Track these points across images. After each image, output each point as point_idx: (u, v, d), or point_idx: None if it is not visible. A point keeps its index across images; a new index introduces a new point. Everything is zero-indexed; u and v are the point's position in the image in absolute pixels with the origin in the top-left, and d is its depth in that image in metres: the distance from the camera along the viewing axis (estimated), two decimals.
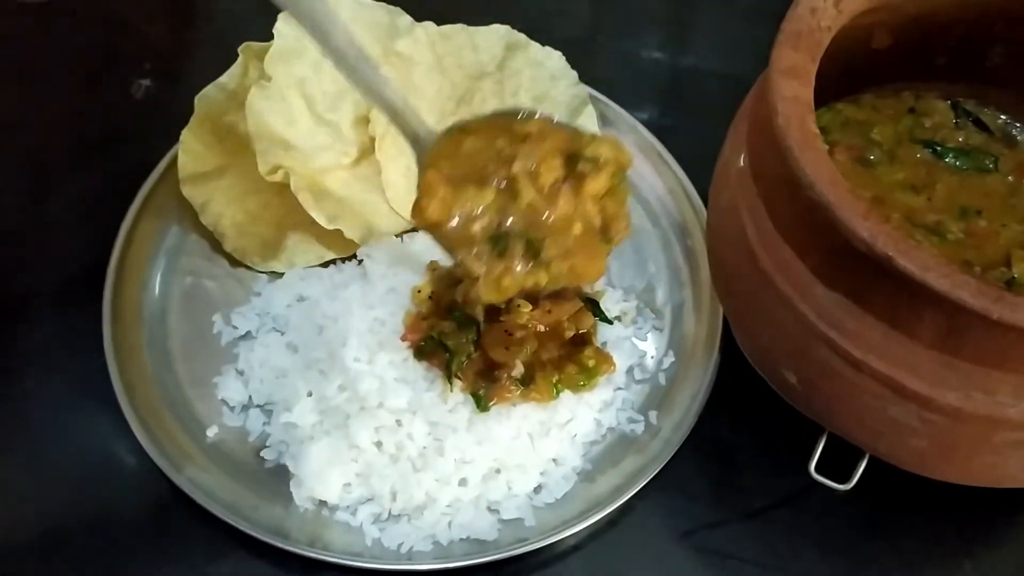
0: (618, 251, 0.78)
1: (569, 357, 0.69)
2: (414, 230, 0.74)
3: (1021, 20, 0.65)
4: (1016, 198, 0.66)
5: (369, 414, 0.66)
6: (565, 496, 0.67)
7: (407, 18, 0.80)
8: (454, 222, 0.57)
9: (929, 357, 0.52)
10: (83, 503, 0.67)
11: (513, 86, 0.81)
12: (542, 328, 0.69)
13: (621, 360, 0.72)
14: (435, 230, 0.58)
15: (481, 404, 0.67)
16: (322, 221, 0.72)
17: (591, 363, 0.69)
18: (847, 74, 0.65)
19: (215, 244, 0.77)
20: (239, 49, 0.75)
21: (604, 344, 0.72)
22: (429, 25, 0.79)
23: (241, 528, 0.63)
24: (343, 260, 0.76)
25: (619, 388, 0.72)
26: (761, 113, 0.58)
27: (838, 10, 0.59)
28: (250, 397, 0.70)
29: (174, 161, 0.76)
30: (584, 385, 0.69)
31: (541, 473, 0.68)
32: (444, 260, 0.71)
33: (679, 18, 0.97)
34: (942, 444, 0.56)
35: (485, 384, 0.67)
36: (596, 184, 0.59)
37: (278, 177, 0.73)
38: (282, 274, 0.76)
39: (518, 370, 0.67)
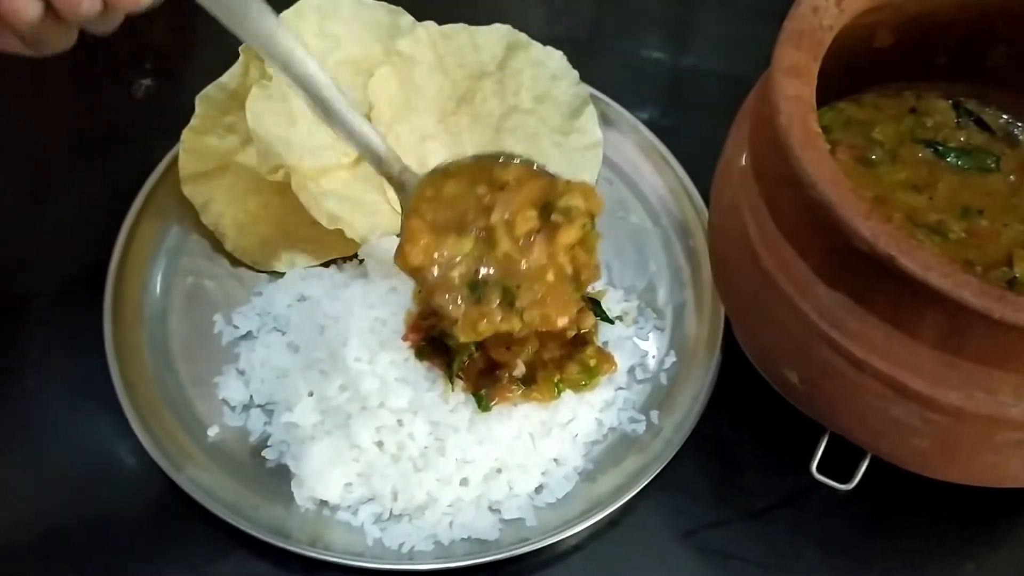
0: (619, 251, 0.79)
1: (570, 357, 0.69)
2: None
3: (1022, 20, 0.65)
4: (1018, 198, 0.66)
5: (370, 414, 0.65)
6: (566, 496, 0.67)
7: (408, 17, 0.80)
8: (435, 269, 0.61)
9: (931, 357, 0.52)
10: (83, 503, 0.67)
11: (514, 86, 0.81)
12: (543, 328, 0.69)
13: (622, 360, 0.72)
14: (416, 274, 0.61)
15: (482, 404, 0.67)
16: (323, 221, 0.72)
17: (592, 363, 0.69)
18: (849, 73, 0.65)
19: (216, 244, 0.77)
20: (240, 49, 0.75)
21: (605, 344, 0.72)
22: (430, 24, 0.79)
23: (242, 528, 0.63)
24: (344, 260, 0.76)
25: (620, 388, 0.71)
26: (763, 112, 0.58)
27: (840, 9, 0.59)
28: (251, 397, 0.70)
29: (175, 161, 0.76)
30: (585, 385, 0.69)
31: (542, 473, 0.68)
32: None
33: (680, 18, 0.97)
34: (944, 444, 0.56)
35: (486, 384, 0.67)
36: (568, 236, 0.62)
37: (279, 177, 0.73)
38: (283, 274, 0.76)
39: (519, 370, 0.67)
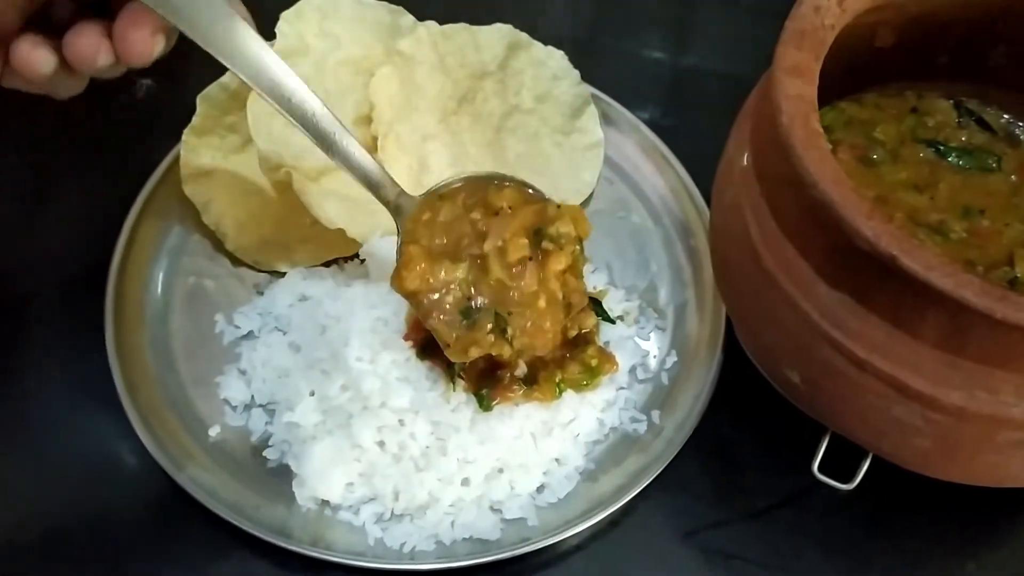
0: (621, 250, 0.79)
1: (572, 357, 0.69)
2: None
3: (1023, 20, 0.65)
4: (1019, 197, 0.66)
5: (372, 414, 0.65)
6: (568, 496, 0.67)
7: (409, 17, 0.80)
8: (430, 293, 0.63)
9: (933, 356, 0.52)
10: (85, 503, 0.67)
11: (515, 85, 0.81)
12: None
13: (624, 360, 0.72)
14: (412, 298, 0.63)
15: (484, 404, 0.67)
16: (324, 220, 0.72)
17: (594, 363, 0.69)
18: (850, 73, 0.65)
19: (217, 244, 0.77)
20: None
21: (607, 344, 0.72)
22: (431, 24, 0.79)
23: (243, 528, 0.63)
24: (345, 259, 0.76)
25: (622, 388, 0.72)
26: (765, 112, 0.58)
27: (842, 9, 0.59)
28: (252, 397, 0.70)
29: (176, 161, 0.76)
30: (587, 385, 0.69)
31: (544, 473, 0.68)
32: None
33: (681, 18, 0.97)
34: (945, 444, 0.56)
35: (488, 383, 0.67)
36: (558, 263, 0.65)
37: (280, 177, 0.73)
38: (284, 273, 0.76)
39: (521, 370, 0.67)
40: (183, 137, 0.76)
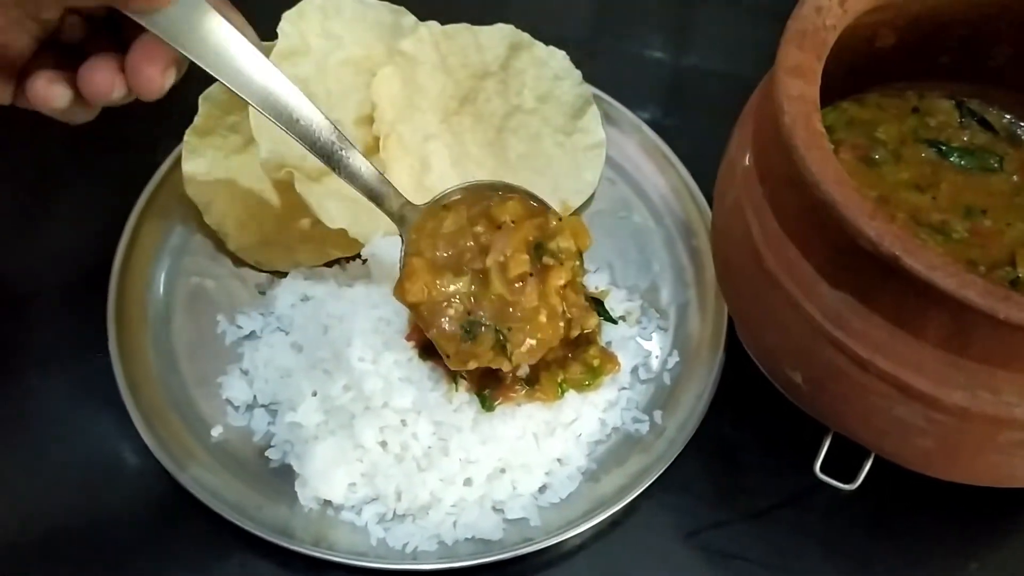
0: (622, 250, 0.79)
1: (574, 357, 0.69)
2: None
3: None
4: (1021, 197, 0.66)
5: (374, 414, 0.66)
6: (570, 496, 0.67)
7: (411, 17, 0.80)
8: (432, 306, 0.65)
9: (935, 356, 0.52)
10: (87, 503, 0.67)
11: (517, 85, 0.81)
12: None
13: (626, 360, 0.72)
14: (414, 308, 0.65)
15: (486, 404, 0.67)
16: (326, 220, 0.72)
17: (596, 363, 0.69)
18: (852, 73, 0.65)
19: (219, 244, 0.77)
20: None
21: (609, 344, 0.72)
22: (433, 24, 0.79)
23: (246, 528, 0.64)
24: (347, 259, 0.76)
25: (624, 388, 0.72)
26: (767, 112, 0.58)
27: (843, 9, 0.59)
28: (255, 397, 0.70)
29: (178, 161, 0.76)
30: (589, 385, 0.69)
31: (546, 473, 0.68)
32: None
33: (682, 18, 0.97)
34: (948, 444, 0.56)
35: (490, 384, 0.67)
36: (559, 278, 0.66)
37: (282, 177, 0.73)
38: (286, 274, 0.76)
39: (523, 370, 0.67)
40: (185, 137, 0.76)
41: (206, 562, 0.65)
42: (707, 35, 0.96)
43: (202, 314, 0.74)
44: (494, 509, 0.66)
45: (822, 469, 0.62)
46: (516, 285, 0.65)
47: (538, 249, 0.66)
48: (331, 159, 0.62)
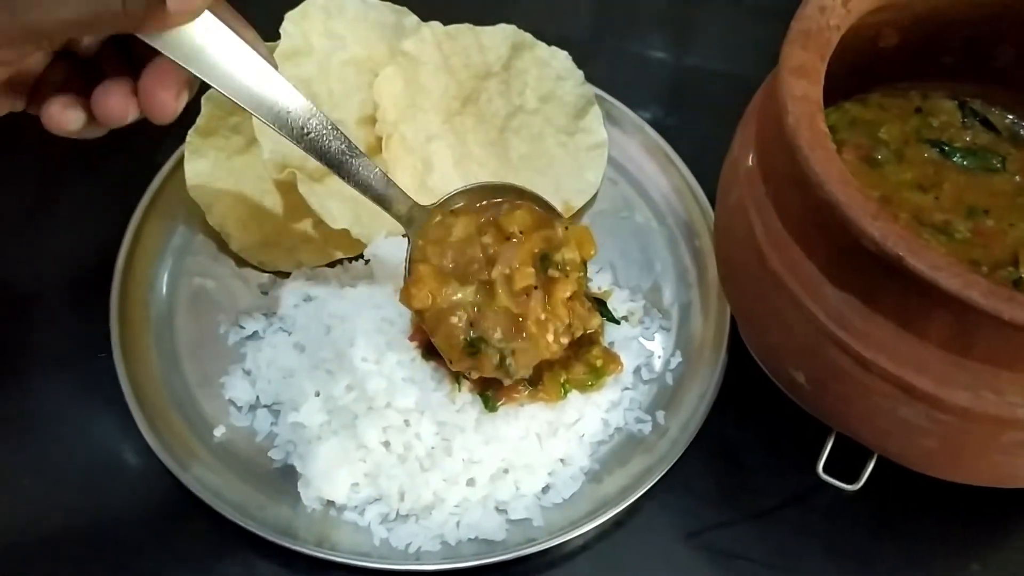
0: (624, 250, 0.79)
1: (577, 357, 0.69)
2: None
3: None
4: (1023, 198, 0.66)
5: (377, 414, 0.66)
6: (573, 496, 0.67)
7: (413, 18, 0.80)
8: (438, 314, 0.65)
9: (939, 357, 0.52)
10: (89, 503, 0.67)
11: (519, 86, 0.81)
12: None
13: (628, 360, 0.72)
14: (419, 314, 0.66)
15: (489, 404, 0.67)
16: (329, 221, 0.72)
17: (599, 363, 0.69)
18: (854, 73, 0.65)
19: (222, 244, 0.77)
20: None
21: (611, 344, 0.72)
22: (435, 25, 0.79)
23: (249, 528, 0.64)
24: (350, 260, 0.76)
25: (626, 388, 0.72)
26: (770, 112, 0.58)
27: (847, 9, 0.59)
28: (257, 397, 0.70)
29: (180, 161, 0.76)
30: (592, 385, 0.69)
31: (549, 473, 0.68)
32: None
33: (684, 18, 0.97)
34: (951, 444, 0.56)
35: (493, 384, 0.67)
36: (564, 291, 0.66)
37: (284, 177, 0.73)
38: (289, 274, 0.76)
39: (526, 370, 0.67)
40: (187, 138, 0.75)
41: (208, 562, 0.65)
42: (709, 35, 0.96)
43: (204, 314, 0.74)
44: (497, 509, 0.66)
45: (825, 469, 0.62)
46: (521, 298, 0.65)
47: (543, 261, 0.67)
48: (341, 168, 0.62)
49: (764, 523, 0.68)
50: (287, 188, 0.74)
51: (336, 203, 0.73)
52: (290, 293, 0.74)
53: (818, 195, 0.52)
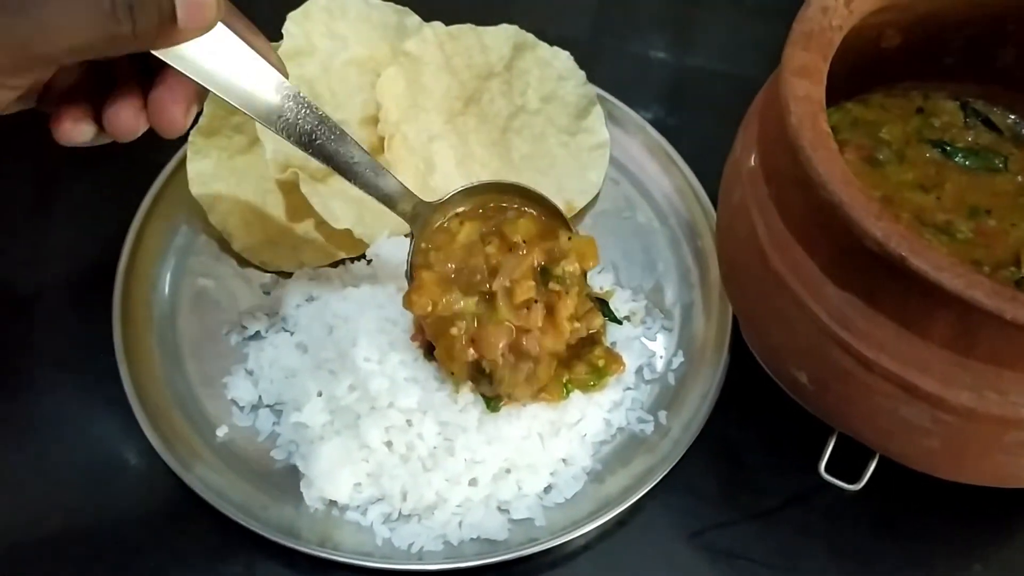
0: (627, 250, 0.79)
1: (579, 357, 0.69)
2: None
3: None
4: None
5: (379, 414, 0.66)
6: (575, 496, 0.67)
7: (415, 18, 0.80)
8: (438, 320, 0.65)
9: (941, 357, 0.52)
10: (92, 503, 0.67)
11: (521, 86, 0.81)
12: None
13: (630, 360, 0.72)
14: (422, 320, 0.66)
15: (491, 404, 0.67)
16: (331, 221, 0.72)
17: (601, 363, 0.69)
18: (856, 73, 0.65)
19: (224, 244, 0.77)
20: None
21: (613, 344, 0.72)
22: (437, 25, 0.79)
23: (251, 528, 0.64)
24: (352, 260, 0.76)
25: (629, 388, 0.72)
26: (773, 112, 0.58)
27: (849, 10, 0.59)
28: (260, 397, 0.70)
29: (183, 161, 0.76)
30: (594, 385, 0.69)
31: (551, 473, 0.68)
32: None
33: (686, 18, 0.97)
34: (954, 444, 0.56)
35: None
36: (567, 309, 0.66)
37: (287, 177, 0.73)
38: (291, 274, 0.76)
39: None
40: (190, 138, 0.76)
41: (211, 562, 0.65)
42: (710, 35, 0.96)
43: (207, 314, 0.74)
44: (499, 509, 0.66)
45: (827, 469, 0.62)
46: (522, 311, 0.65)
47: (543, 274, 0.67)
48: (347, 171, 0.62)
49: (766, 523, 0.68)
50: (289, 188, 0.74)
51: (339, 203, 0.73)
52: (292, 293, 0.74)
53: (820, 195, 0.52)
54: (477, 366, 0.65)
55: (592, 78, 0.83)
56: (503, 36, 0.80)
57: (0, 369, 0.72)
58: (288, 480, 0.67)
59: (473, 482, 0.66)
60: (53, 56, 0.46)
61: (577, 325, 0.67)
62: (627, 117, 0.83)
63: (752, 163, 0.61)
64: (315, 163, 0.74)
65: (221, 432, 0.69)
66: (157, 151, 0.78)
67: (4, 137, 0.77)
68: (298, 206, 0.74)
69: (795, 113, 0.54)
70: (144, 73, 0.52)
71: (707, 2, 0.99)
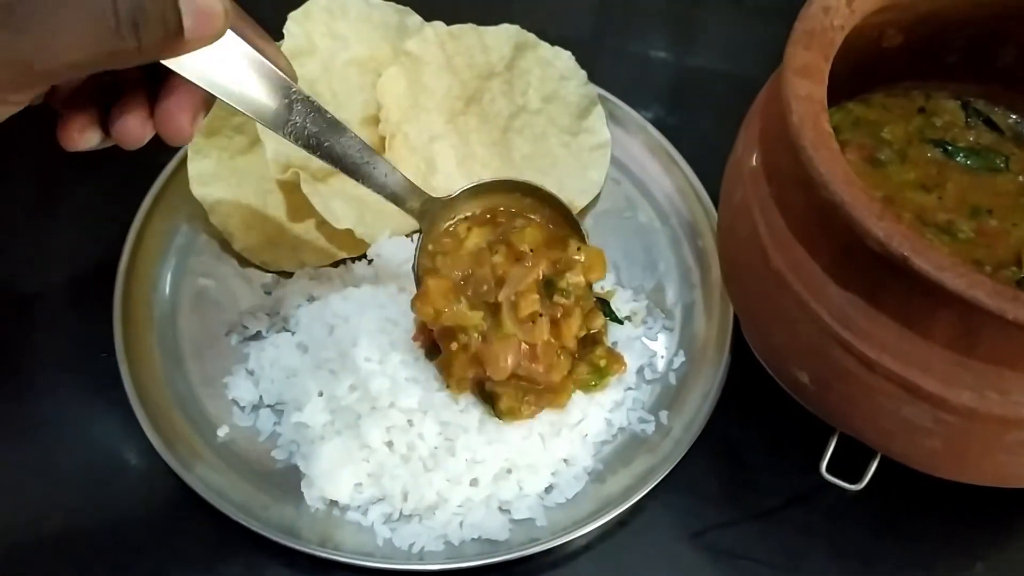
0: (628, 250, 0.79)
1: (580, 357, 0.69)
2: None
3: None
4: None
5: (380, 414, 0.66)
6: (576, 496, 0.67)
7: (416, 17, 0.80)
8: (443, 329, 0.66)
9: (943, 357, 0.52)
10: (92, 503, 0.67)
11: (522, 86, 0.81)
12: None
13: (632, 360, 0.72)
14: (430, 323, 0.66)
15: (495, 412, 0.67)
16: (332, 221, 0.72)
17: (602, 363, 0.69)
18: (858, 73, 0.65)
19: (225, 244, 0.77)
20: None
21: (615, 344, 0.72)
22: (438, 25, 0.79)
23: (252, 528, 0.63)
24: (353, 260, 0.76)
25: (630, 388, 0.72)
26: (774, 112, 0.58)
27: (851, 9, 0.59)
28: (260, 397, 0.70)
29: (184, 161, 0.76)
30: (595, 385, 0.69)
31: (552, 473, 0.68)
32: None
33: (687, 18, 0.97)
34: (955, 444, 0.56)
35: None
36: (573, 327, 0.66)
37: (288, 177, 0.73)
38: (292, 274, 0.76)
39: None
40: None
41: (212, 562, 0.65)
42: (712, 35, 0.96)
43: (208, 314, 0.74)
44: (500, 509, 0.66)
45: (828, 469, 0.62)
46: (527, 324, 0.65)
47: (548, 287, 0.66)
48: (356, 172, 0.62)
49: (767, 523, 0.68)
50: (290, 188, 0.74)
51: (339, 203, 0.73)
52: (293, 293, 0.74)
53: (822, 195, 0.52)
54: (480, 386, 0.66)
55: (593, 78, 0.83)
56: (504, 36, 0.80)
57: (0, 369, 0.72)
58: (289, 480, 0.67)
59: (474, 482, 0.66)
60: (56, 72, 0.46)
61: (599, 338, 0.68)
62: (628, 117, 0.83)
63: (753, 163, 0.61)
64: (316, 163, 0.74)
65: (222, 432, 0.69)
66: (158, 151, 0.77)
67: (6, 137, 0.77)
68: (299, 206, 0.74)
69: (797, 113, 0.54)
70: (151, 76, 0.52)
71: (708, 2, 0.99)
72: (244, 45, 0.52)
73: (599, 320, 0.69)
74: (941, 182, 0.67)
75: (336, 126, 0.59)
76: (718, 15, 0.97)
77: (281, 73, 0.54)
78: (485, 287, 0.66)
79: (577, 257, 0.67)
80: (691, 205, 0.80)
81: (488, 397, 0.66)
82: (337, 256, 0.76)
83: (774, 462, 0.70)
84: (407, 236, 0.76)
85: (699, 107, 0.90)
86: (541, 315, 0.65)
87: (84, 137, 0.52)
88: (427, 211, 0.67)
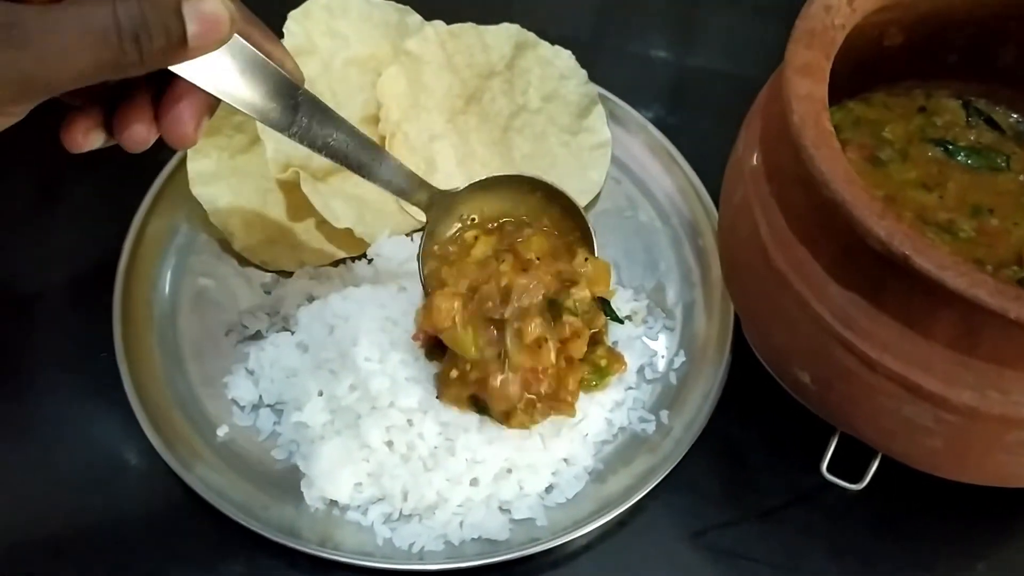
0: (628, 250, 0.79)
1: (582, 358, 0.69)
2: (423, 229, 0.74)
3: None
4: None
5: (380, 413, 0.65)
6: (576, 496, 0.67)
7: (417, 17, 0.80)
8: (451, 341, 0.66)
9: (944, 356, 0.52)
10: (93, 502, 0.67)
11: (523, 85, 0.81)
12: None
13: (632, 359, 0.72)
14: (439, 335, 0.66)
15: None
16: (332, 220, 0.72)
17: (603, 363, 0.69)
18: (858, 72, 0.65)
19: (225, 243, 0.76)
20: None
21: (615, 343, 0.72)
22: (439, 24, 0.79)
23: (252, 528, 0.63)
24: (353, 259, 0.76)
25: (630, 388, 0.71)
26: (775, 111, 0.58)
27: (852, 8, 0.59)
28: (260, 397, 0.70)
29: (183, 160, 0.76)
30: (596, 385, 0.69)
31: (552, 473, 0.67)
32: None
33: (688, 17, 0.97)
34: (956, 444, 0.56)
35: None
36: (579, 350, 0.66)
37: (288, 176, 0.73)
38: (292, 273, 0.76)
39: None
40: None
41: (212, 562, 0.65)
42: (712, 35, 0.96)
43: (208, 314, 0.74)
44: (500, 509, 0.66)
45: (829, 469, 0.62)
46: (534, 349, 0.65)
47: (553, 306, 0.66)
48: (362, 170, 0.62)
49: (768, 523, 0.68)
50: (290, 187, 0.74)
51: (339, 202, 0.73)
52: (293, 293, 0.74)
53: (823, 194, 0.52)
54: (476, 399, 0.65)
55: (593, 77, 0.83)
56: (504, 35, 0.80)
57: (0, 369, 0.72)
58: (289, 480, 0.67)
59: (474, 482, 0.66)
60: (58, 86, 0.45)
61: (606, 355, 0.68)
62: (628, 116, 0.83)
63: (754, 162, 0.61)
64: (316, 162, 0.74)
65: (222, 432, 0.69)
66: (158, 151, 0.77)
67: (6, 137, 0.77)
68: (299, 205, 0.74)
69: (797, 112, 0.54)
70: (156, 77, 0.52)
71: (708, 2, 0.99)
72: (249, 48, 0.51)
73: (600, 320, 0.69)
74: (942, 181, 0.66)
75: (342, 125, 0.59)
76: (718, 15, 0.97)
77: (287, 75, 0.54)
78: (490, 303, 0.66)
79: (583, 269, 0.67)
80: (692, 204, 0.80)
81: (484, 408, 0.66)
82: (337, 255, 0.76)
83: (775, 462, 0.70)
84: (407, 235, 0.76)
85: (699, 107, 0.90)
86: (547, 340, 0.65)
87: (88, 139, 0.52)
88: (435, 204, 0.68)
